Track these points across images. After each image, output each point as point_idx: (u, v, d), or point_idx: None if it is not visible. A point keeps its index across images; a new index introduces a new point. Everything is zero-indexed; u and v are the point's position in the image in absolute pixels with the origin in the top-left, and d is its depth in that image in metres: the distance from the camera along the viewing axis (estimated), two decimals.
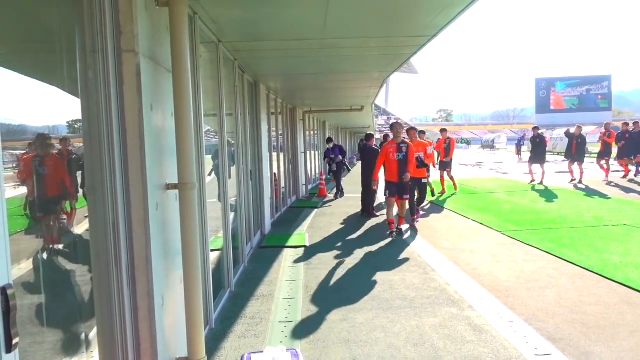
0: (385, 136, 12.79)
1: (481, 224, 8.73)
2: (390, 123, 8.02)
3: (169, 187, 2.74)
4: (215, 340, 3.95)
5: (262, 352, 2.89)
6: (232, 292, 5.22)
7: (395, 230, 7.89)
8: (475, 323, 4.22)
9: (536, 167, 15.03)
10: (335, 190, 14.20)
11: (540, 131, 15.35)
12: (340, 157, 14.15)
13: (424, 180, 9.29)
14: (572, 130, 15.84)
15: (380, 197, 11.84)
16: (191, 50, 3.99)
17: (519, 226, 8.40)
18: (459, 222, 9.10)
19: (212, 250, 5.09)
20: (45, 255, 2.60)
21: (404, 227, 8.35)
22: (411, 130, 9.22)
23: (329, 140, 14.81)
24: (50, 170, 2.47)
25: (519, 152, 35.82)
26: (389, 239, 7.71)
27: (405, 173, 7.66)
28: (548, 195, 12.49)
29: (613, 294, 4.89)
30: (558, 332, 3.98)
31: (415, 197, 9.03)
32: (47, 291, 2.67)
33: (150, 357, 2.43)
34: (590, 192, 12.76)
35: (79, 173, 2.70)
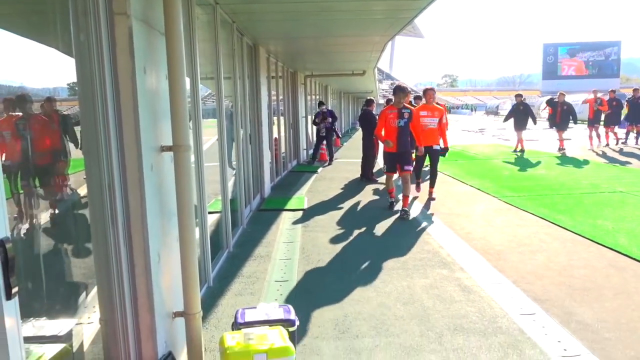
0: (389, 101, 12.72)
1: (478, 189, 8.81)
2: (394, 87, 7.21)
3: (164, 149, 2.81)
4: (212, 298, 4.10)
5: (255, 307, 3.03)
6: (230, 252, 5.36)
7: (395, 200, 7.47)
8: (465, 284, 4.35)
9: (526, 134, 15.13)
10: (314, 157, 13.61)
11: (522, 98, 14.95)
12: (330, 120, 13.43)
13: (436, 147, 8.01)
14: (556, 98, 15.55)
15: (381, 162, 11.89)
16: (187, 13, 3.98)
17: (515, 192, 8.48)
18: (457, 187, 9.19)
19: (211, 213, 5.21)
20: (46, 216, 2.70)
21: (412, 206, 7.47)
22: (429, 91, 8.00)
23: (321, 103, 14.24)
24: (38, 133, 2.54)
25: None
26: (383, 205, 7.82)
27: (406, 142, 7.01)
28: (548, 162, 12.52)
29: (601, 258, 5.01)
30: (544, 294, 4.11)
31: (425, 168, 8.43)
32: (49, 250, 2.78)
33: (147, 311, 2.55)
34: (589, 160, 12.78)
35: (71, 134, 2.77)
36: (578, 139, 17.00)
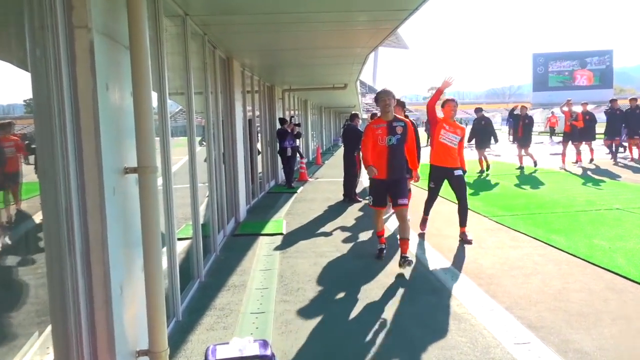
0: (373, 115, 12.84)
1: (469, 209, 8.90)
2: (380, 91, 5.78)
3: (128, 170, 2.79)
4: (181, 333, 4.04)
5: (228, 343, 2.99)
6: (201, 282, 5.30)
7: (384, 246, 6.12)
8: (455, 311, 4.37)
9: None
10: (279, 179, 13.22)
11: (482, 112, 14.96)
12: (291, 142, 12.47)
13: (458, 173, 6.71)
14: (517, 110, 15.48)
15: (364, 181, 11.96)
16: (154, 25, 4.01)
17: (507, 211, 8.59)
18: (445, 207, 9.26)
19: (180, 239, 5.17)
20: None
21: (412, 254, 6.08)
22: (450, 102, 6.79)
23: (281, 119, 12.86)
24: None
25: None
26: (371, 229, 7.83)
27: (399, 166, 5.68)
28: (540, 178, 12.75)
29: (599, 280, 5.08)
30: (539, 320, 4.15)
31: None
32: None
33: (107, 350, 2.50)
34: (583, 176, 13.06)
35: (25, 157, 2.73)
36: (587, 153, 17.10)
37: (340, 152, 28.34)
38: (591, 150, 15.63)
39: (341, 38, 7.19)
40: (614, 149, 16.16)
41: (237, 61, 8.76)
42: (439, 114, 6.88)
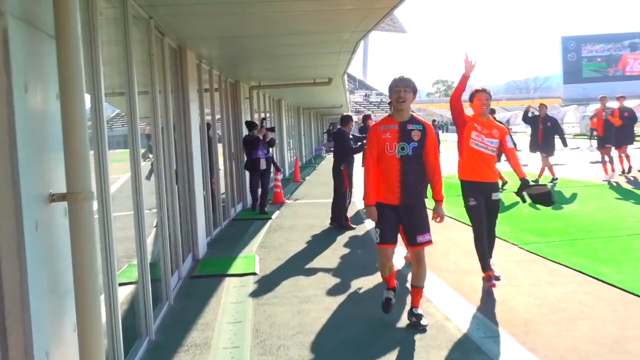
0: (366, 117, 12.87)
1: (461, 222, 8.91)
2: (395, 78, 5.25)
3: (55, 198, 2.70)
4: None
5: None
6: (151, 341, 5.19)
7: (394, 294, 5.52)
8: None
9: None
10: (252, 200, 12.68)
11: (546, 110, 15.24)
12: (265, 152, 12.27)
13: (496, 197, 6.46)
14: (533, 110, 15.39)
15: (359, 203, 11.93)
16: (86, 7, 3.95)
17: (541, 237, 8.63)
18: (462, 233, 9.25)
19: (122, 284, 5.05)
20: None
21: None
22: (480, 93, 6.29)
23: (249, 124, 12.51)
24: None
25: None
26: (371, 264, 7.78)
27: (415, 188, 5.21)
28: (579, 194, 12.87)
29: None
30: None
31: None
32: None
33: None
34: (633, 189, 13.22)
35: None
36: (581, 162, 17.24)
37: (324, 165, 28.49)
38: (627, 156, 15.64)
39: (325, 21, 7.21)
40: None
41: (192, 52, 8.72)
42: (467, 110, 6.38)
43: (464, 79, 6.16)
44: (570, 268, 6.94)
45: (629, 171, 15.46)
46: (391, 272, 5.42)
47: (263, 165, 12.08)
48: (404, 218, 5.21)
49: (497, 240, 8.06)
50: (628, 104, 16.19)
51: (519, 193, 6.49)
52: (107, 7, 5.15)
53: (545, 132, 14.45)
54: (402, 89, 5.11)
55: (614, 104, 15.75)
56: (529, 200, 6.64)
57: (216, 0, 6.02)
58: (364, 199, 5.48)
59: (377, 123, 5.43)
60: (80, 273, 2.66)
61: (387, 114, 5.89)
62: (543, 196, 6.67)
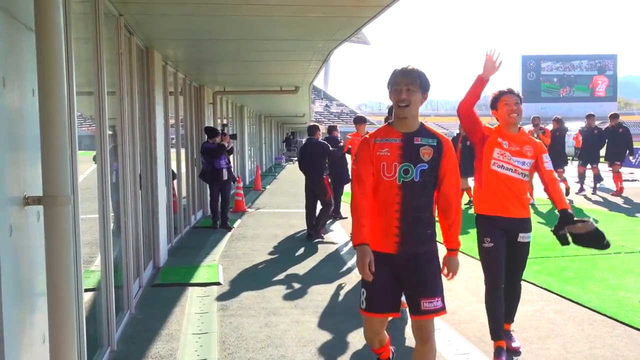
0: (331, 128, 12.85)
1: (461, 252, 8.96)
2: (395, 70, 3.69)
3: (29, 201, 2.57)
4: None
5: None
6: (113, 352, 5.03)
7: None
8: None
9: None
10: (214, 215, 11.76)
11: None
12: (226, 162, 11.75)
13: (525, 238, 4.97)
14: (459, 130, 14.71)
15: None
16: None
17: None
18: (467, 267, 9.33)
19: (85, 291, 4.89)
20: None
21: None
22: (508, 96, 4.79)
23: (211, 130, 11.87)
24: None
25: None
26: (338, 276, 7.73)
27: (420, 229, 3.67)
28: (541, 213, 13.10)
29: (633, 344, 5.15)
30: None
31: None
32: None
33: None
34: (593, 208, 13.51)
35: None
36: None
37: (285, 174, 28.42)
38: (564, 181, 15.14)
39: (301, 27, 7.17)
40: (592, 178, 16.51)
41: (159, 52, 8.57)
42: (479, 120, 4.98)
43: (481, 82, 4.58)
44: (537, 286, 7.01)
45: (567, 193, 15.01)
46: (382, 343, 4.02)
47: (225, 175, 11.51)
48: (405, 274, 3.68)
49: (465, 256, 8.12)
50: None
51: (558, 231, 4.83)
52: (75, 1, 5.00)
53: (463, 152, 12.97)
54: (403, 86, 3.56)
55: (575, 124, 16.13)
56: (572, 243, 4.92)
57: (191, 0, 5.92)
58: (351, 236, 4.00)
59: (371, 134, 3.80)
60: (54, 281, 2.55)
61: (380, 125, 4.35)
62: (592, 236, 4.87)
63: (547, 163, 4.88)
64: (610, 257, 8.46)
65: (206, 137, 11.73)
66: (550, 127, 16.16)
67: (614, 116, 16.37)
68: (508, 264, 4.93)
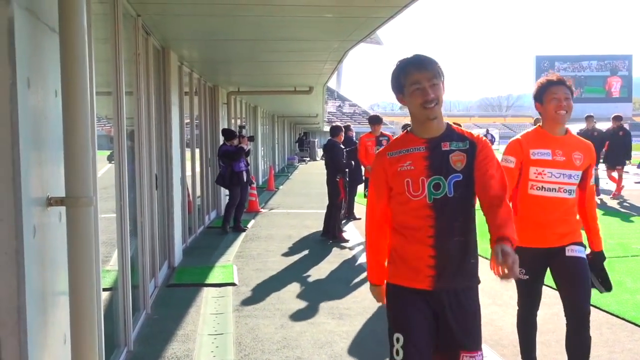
0: (346, 128, 12.79)
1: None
2: (404, 65, 2.97)
3: (52, 202, 2.58)
4: None
5: None
6: (130, 352, 5.04)
7: None
8: None
9: None
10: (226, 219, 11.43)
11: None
12: (246, 164, 11.54)
13: (575, 251, 4.03)
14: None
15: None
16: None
17: None
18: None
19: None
20: None
21: None
22: (556, 87, 3.70)
23: (229, 133, 11.59)
24: None
25: None
26: (353, 277, 7.71)
27: (463, 255, 3.01)
28: None
29: None
30: None
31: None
32: None
33: None
34: (609, 210, 13.40)
35: None
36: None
37: (297, 174, 28.45)
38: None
39: (317, 28, 7.17)
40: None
41: (175, 53, 8.60)
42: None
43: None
44: (554, 289, 6.94)
45: None
46: None
47: (244, 178, 11.36)
48: (442, 314, 2.95)
49: (480, 258, 8.07)
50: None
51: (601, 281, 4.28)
52: (95, 2, 5.03)
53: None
54: (426, 83, 2.84)
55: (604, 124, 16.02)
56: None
57: (207, 0, 5.93)
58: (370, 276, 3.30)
59: (386, 146, 3.16)
60: (76, 282, 2.54)
61: (392, 126, 3.86)
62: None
63: (593, 177, 4.07)
64: (628, 260, 8.39)
65: (222, 139, 11.54)
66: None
67: (617, 118, 16.11)
68: (562, 291, 4.15)
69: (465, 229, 2.93)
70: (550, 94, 3.86)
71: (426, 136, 2.93)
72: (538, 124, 4.11)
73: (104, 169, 6.08)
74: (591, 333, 5.34)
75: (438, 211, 2.84)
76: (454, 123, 3.09)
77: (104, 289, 5.26)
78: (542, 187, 3.86)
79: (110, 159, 6.02)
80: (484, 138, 3.06)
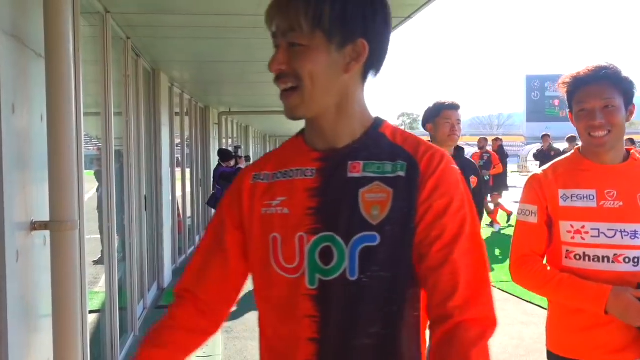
0: None
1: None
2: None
3: (36, 226, 2.58)
4: None
5: None
6: None
7: None
8: None
9: None
10: None
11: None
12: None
13: None
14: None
15: None
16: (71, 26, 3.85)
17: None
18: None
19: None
20: None
21: None
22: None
23: (226, 153, 11.29)
24: None
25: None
26: None
27: None
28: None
29: None
30: None
31: None
32: None
33: None
34: None
35: None
36: None
37: None
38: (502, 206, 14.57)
39: None
40: None
41: (166, 74, 8.64)
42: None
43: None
44: (543, 308, 6.96)
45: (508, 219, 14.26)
46: None
47: None
48: None
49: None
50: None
51: None
52: (86, 25, 5.06)
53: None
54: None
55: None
56: None
57: (196, 23, 5.95)
58: None
59: (251, 165, 1.70)
60: (60, 306, 2.53)
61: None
62: None
63: None
64: None
65: (218, 160, 11.10)
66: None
67: (571, 139, 14.80)
68: None
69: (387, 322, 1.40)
70: (581, 105, 2.29)
71: (320, 146, 1.49)
72: (576, 146, 2.54)
73: (93, 189, 6.07)
74: None
75: (325, 307, 1.39)
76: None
77: (91, 311, 5.23)
78: (584, 254, 2.24)
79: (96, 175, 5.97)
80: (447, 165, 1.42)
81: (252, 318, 6.64)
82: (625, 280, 2.16)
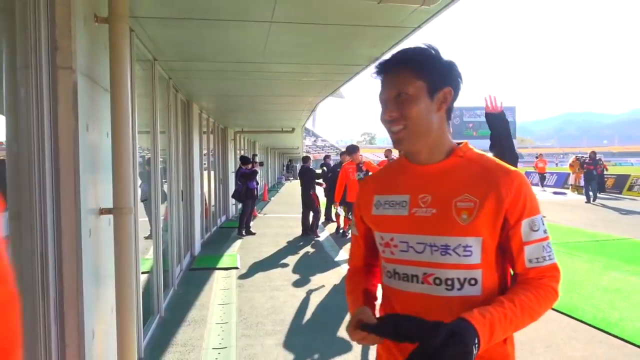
0: (326, 157, 12.87)
1: None
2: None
3: (103, 211, 2.54)
4: None
5: None
6: (161, 317, 4.93)
7: None
8: None
9: None
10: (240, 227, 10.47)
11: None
12: (256, 182, 10.78)
13: None
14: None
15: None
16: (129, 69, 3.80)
17: None
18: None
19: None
20: None
21: None
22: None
23: (245, 159, 10.96)
24: None
25: None
26: (323, 263, 7.69)
27: None
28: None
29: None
30: None
31: None
32: None
33: None
34: None
35: None
36: None
37: (284, 189, 28.25)
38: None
39: (296, 87, 7.18)
40: None
41: (196, 104, 8.54)
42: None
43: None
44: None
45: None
46: None
47: (256, 193, 10.88)
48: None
49: None
50: None
51: None
52: (140, 69, 4.99)
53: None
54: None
55: None
56: None
57: (219, 68, 5.90)
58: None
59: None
60: (120, 270, 2.50)
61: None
62: None
63: None
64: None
65: (239, 164, 10.98)
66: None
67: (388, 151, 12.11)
68: None
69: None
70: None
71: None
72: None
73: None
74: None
75: None
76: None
77: (143, 272, 5.18)
78: (395, 272, 1.37)
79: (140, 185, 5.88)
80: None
81: (256, 277, 6.63)
82: (438, 307, 1.25)
